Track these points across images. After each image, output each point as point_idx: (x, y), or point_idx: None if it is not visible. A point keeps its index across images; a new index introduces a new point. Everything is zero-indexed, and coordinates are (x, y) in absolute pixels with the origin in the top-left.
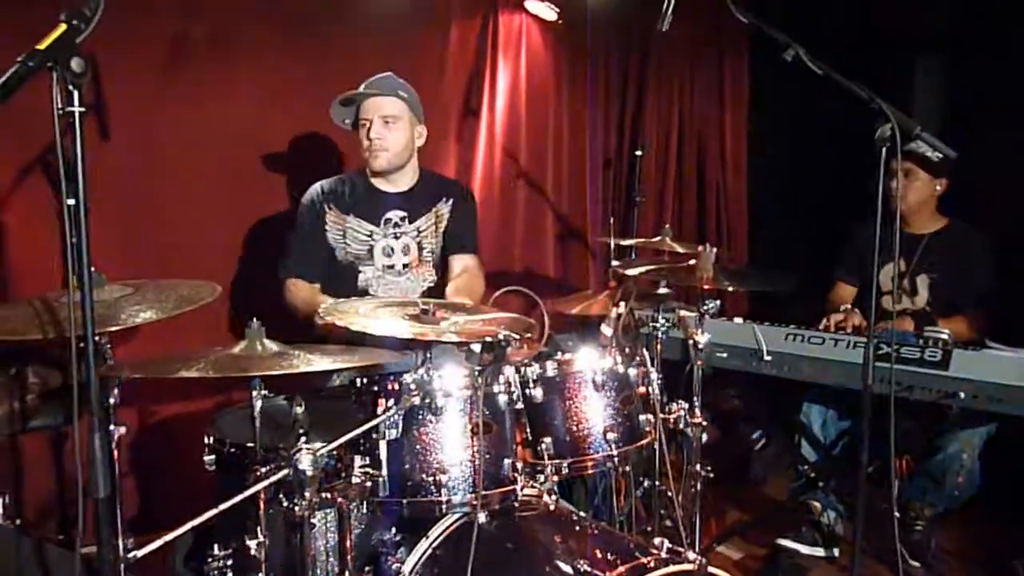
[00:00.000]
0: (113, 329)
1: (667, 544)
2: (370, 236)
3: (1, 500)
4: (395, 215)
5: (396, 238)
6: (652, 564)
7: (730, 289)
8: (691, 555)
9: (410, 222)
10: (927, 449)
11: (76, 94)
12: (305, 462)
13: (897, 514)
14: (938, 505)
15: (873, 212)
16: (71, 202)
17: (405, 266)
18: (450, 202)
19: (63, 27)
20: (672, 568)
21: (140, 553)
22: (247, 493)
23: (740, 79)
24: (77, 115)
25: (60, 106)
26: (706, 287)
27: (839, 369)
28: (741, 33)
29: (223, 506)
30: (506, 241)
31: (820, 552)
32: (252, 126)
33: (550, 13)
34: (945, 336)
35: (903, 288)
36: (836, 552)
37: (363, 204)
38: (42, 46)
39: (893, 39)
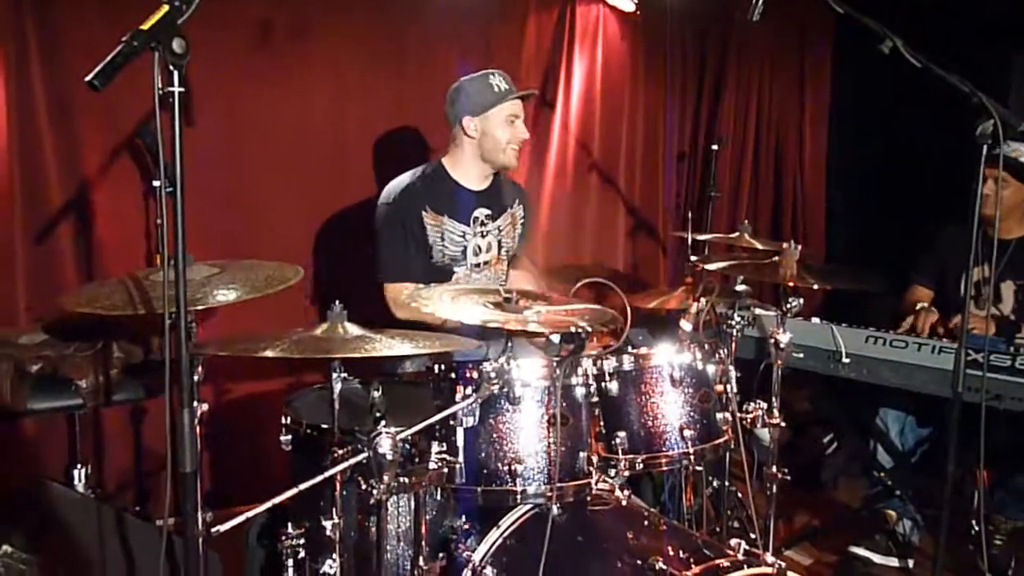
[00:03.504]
0: (202, 308)
1: (744, 546)
2: (463, 236)
3: (83, 471)
4: (481, 213)
5: (483, 236)
6: (728, 565)
7: (815, 287)
8: (769, 558)
9: (493, 220)
10: (1011, 462)
11: (177, 75)
12: (385, 446)
13: (978, 527)
14: (1020, 520)
15: (957, 214)
16: (158, 183)
17: (485, 263)
18: (521, 207)
19: (165, 8)
20: (749, 571)
21: (223, 528)
22: (329, 473)
23: (822, 72)
24: (177, 95)
25: (160, 86)
26: (789, 284)
27: (922, 374)
28: (824, 24)
29: (304, 485)
30: (577, 234)
31: (894, 562)
32: (330, 113)
33: (628, 4)
34: None
35: (985, 295)
36: (911, 563)
37: (454, 204)
38: (145, 27)
39: (989, 32)
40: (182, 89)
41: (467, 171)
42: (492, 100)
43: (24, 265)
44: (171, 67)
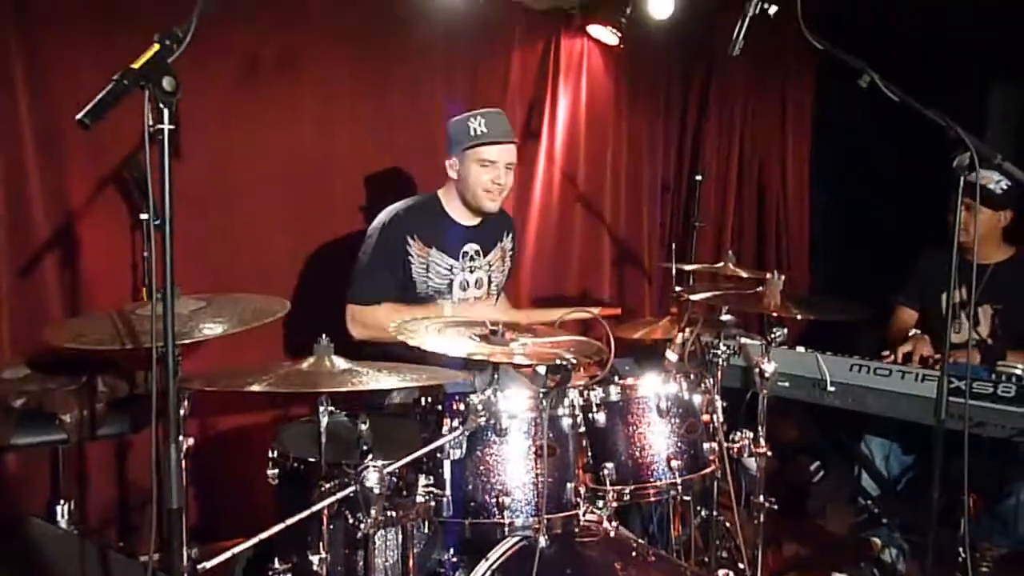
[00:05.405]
0: (188, 342)
1: None
2: (450, 270)
3: (67, 506)
4: (471, 248)
5: (471, 272)
6: None
7: (798, 317)
8: None
9: (483, 256)
10: (997, 488)
11: (167, 112)
12: (372, 479)
13: (965, 554)
14: (1005, 547)
15: (939, 239)
16: (144, 217)
17: (476, 299)
18: (510, 238)
19: (156, 47)
20: None
21: (209, 564)
22: (316, 507)
23: (803, 104)
24: (167, 132)
25: (151, 123)
26: (773, 314)
27: (906, 402)
28: (805, 58)
29: (292, 519)
30: (562, 265)
31: None
32: (317, 146)
33: (612, 38)
34: (1019, 371)
35: (961, 318)
36: None
37: (444, 237)
38: (136, 65)
39: (965, 62)
40: (172, 127)
41: (458, 206)
42: (465, 142)
43: (8, 298)
44: (161, 104)
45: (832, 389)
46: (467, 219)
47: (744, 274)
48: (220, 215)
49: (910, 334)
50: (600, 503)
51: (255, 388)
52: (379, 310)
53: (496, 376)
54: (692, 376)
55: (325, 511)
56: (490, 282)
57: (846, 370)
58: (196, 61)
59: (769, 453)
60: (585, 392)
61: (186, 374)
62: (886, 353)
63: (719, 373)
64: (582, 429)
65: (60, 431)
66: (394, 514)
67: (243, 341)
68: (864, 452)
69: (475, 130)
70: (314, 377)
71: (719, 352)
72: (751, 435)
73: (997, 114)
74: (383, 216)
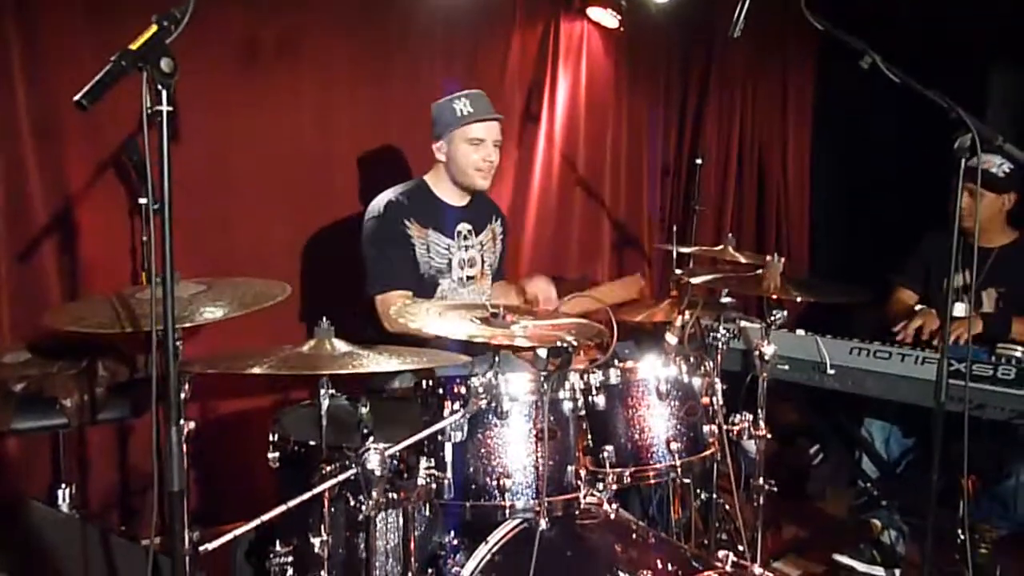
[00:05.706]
0: (188, 325)
1: (732, 558)
2: (448, 249)
3: (68, 490)
4: (463, 228)
5: (465, 251)
6: None
7: (798, 299)
8: (756, 569)
9: (475, 235)
10: (996, 470)
11: (165, 94)
12: (373, 462)
13: (964, 536)
14: (1004, 528)
15: (943, 223)
16: (143, 201)
17: (470, 278)
18: (499, 222)
19: (154, 28)
20: None
21: (210, 546)
22: (317, 490)
23: (804, 87)
24: (165, 114)
25: (149, 105)
26: (773, 297)
27: (906, 385)
28: (806, 41)
29: (293, 502)
30: (562, 248)
31: (880, 571)
32: (317, 130)
33: (612, 20)
34: (1019, 353)
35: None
36: (897, 572)
37: (438, 218)
38: (134, 46)
39: (965, 47)
40: (170, 108)
41: (447, 188)
42: (453, 123)
43: (8, 283)
44: (159, 86)
45: (832, 372)
46: (457, 200)
47: (743, 259)
48: (219, 199)
49: (917, 309)
50: (600, 486)
51: (256, 370)
52: (392, 299)
53: (497, 359)
54: (692, 359)
55: (326, 494)
56: (483, 262)
57: (846, 353)
58: (194, 43)
59: (769, 436)
60: (585, 375)
61: (186, 358)
62: (896, 329)
63: (719, 356)
64: (582, 412)
65: (61, 415)
66: (395, 496)
67: (246, 326)
68: (864, 435)
69: (461, 110)
70: (315, 360)
71: (719, 335)
72: (751, 418)
73: (997, 100)
74: (377, 204)
